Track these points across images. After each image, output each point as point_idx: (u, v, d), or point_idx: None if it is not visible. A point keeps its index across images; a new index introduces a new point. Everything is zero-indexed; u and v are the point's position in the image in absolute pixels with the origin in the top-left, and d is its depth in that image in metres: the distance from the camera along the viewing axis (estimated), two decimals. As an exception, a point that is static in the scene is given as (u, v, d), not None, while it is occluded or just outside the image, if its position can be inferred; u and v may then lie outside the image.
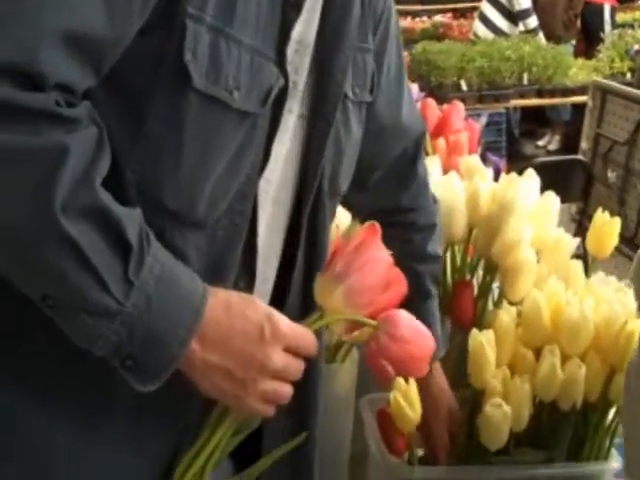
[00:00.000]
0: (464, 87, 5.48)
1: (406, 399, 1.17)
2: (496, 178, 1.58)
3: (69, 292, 0.76)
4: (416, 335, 0.90)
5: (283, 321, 0.86)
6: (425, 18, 7.51)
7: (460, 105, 1.89)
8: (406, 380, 1.18)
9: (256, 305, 0.86)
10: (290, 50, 0.92)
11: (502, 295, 1.45)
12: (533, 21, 6.55)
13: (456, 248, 1.52)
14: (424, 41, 6.06)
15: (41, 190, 0.71)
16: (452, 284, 1.51)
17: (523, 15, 6.52)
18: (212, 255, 0.89)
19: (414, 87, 1.99)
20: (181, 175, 0.83)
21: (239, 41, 0.84)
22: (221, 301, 0.84)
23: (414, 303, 0.96)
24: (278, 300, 1.00)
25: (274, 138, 0.93)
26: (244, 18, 0.85)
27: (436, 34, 6.98)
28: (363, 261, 0.88)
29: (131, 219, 0.78)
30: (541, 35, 6.49)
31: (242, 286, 0.94)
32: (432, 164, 1.58)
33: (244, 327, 0.84)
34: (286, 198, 1.00)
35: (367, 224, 0.90)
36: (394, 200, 1.26)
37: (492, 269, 1.45)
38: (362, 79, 1.05)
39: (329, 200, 1.04)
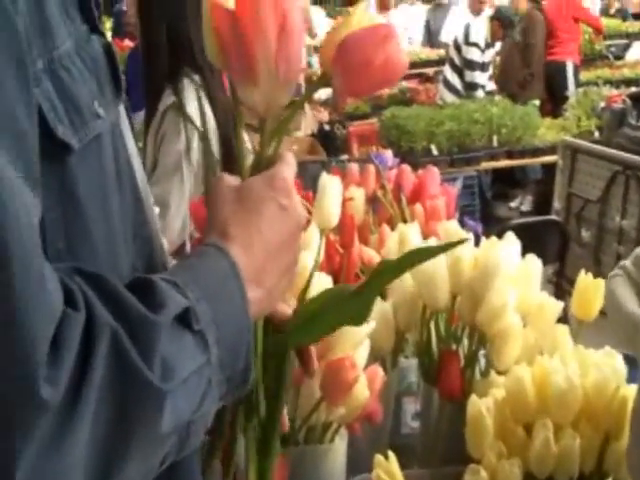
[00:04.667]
0: (435, 151, 5.51)
1: (387, 473, 1.13)
2: (476, 243, 1.55)
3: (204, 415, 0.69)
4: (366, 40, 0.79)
5: (284, 171, 0.80)
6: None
7: (435, 170, 1.87)
8: (385, 456, 1.13)
9: (254, 190, 0.78)
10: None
11: (489, 364, 1.41)
12: (477, 76, 6.66)
13: (440, 317, 1.48)
14: (392, 107, 6.11)
15: None
16: (438, 354, 1.47)
17: (469, 65, 6.64)
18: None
19: (388, 153, 1.97)
20: (101, 255, 0.71)
21: (67, 52, 0.68)
22: (239, 244, 0.75)
23: None
24: None
25: None
26: (57, 23, 0.68)
27: (404, 99, 7.05)
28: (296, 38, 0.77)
29: (167, 290, 0.68)
30: (480, 92, 6.62)
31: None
32: (411, 231, 1.55)
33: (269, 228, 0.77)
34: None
35: None
36: None
37: (478, 337, 1.42)
38: None
39: None
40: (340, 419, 1.20)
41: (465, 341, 1.46)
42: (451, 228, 1.57)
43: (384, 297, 1.50)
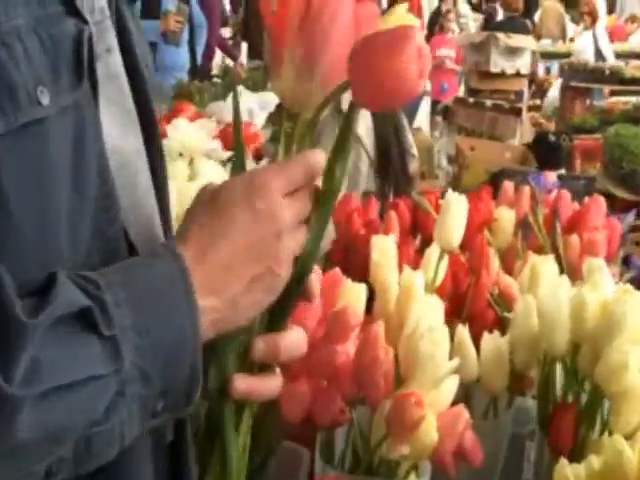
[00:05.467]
0: (659, 176, 5.14)
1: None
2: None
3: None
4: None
5: (268, 172, 0.71)
6: (629, 98, 7.15)
7: (601, 200, 1.70)
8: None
9: (228, 190, 0.71)
10: None
11: (606, 424, 1.26)
12: None
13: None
14: (619, 124, 5.76)
15: None
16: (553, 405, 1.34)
17: None
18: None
19: (551, 175, 1.83)
20: (26, 246, 0.64)
21: (16, 29, 0.62)
22: (196, 247, 0.68)
23: None
24: None
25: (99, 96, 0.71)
26: None
27: (636, 116, 6.62)
28: (323, 30, 0.69)
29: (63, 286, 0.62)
30: None
31: None
32: (545, 264, 1.42)
33: (234, 227, 0.69)
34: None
35: None
36: None
37: (598, 393, 1.27)
38: None
39: None
40: (403, 458, 1.11)
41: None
42: (595, 265, 1.42)
43: (503, 332, 1.39)
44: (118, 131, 0.74)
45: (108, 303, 0.62)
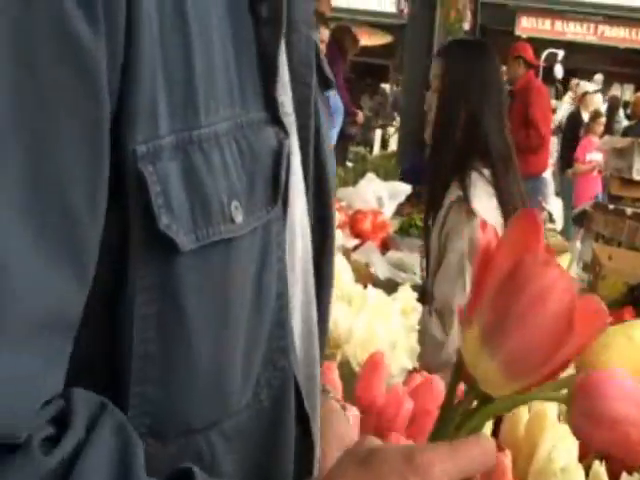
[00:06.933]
0: None
1: None
2: None
3: None
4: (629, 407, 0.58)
5: (435, 454, 0.60)
6: None
7: None
8: None
9: (385, 458, 0.60)
10: (280, 92, 0.63)
11: None
12: None
13: None
14: None
15: None
16: None
17: None
18: (265, 426, 0.64)
19: None
20: (201, 371, 0.57)
21: (215, 134, 0.56)
22: None
23: None
24: None
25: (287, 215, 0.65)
26: (211, 99, 0.56)
27: None
28: (524, 303, 0.56)
29: None
30: None
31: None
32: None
33: None
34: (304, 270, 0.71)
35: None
36: None
37: None
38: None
39: None
40: None
41: None
42: None
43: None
44: (289, 245, 0.67)
45: None
